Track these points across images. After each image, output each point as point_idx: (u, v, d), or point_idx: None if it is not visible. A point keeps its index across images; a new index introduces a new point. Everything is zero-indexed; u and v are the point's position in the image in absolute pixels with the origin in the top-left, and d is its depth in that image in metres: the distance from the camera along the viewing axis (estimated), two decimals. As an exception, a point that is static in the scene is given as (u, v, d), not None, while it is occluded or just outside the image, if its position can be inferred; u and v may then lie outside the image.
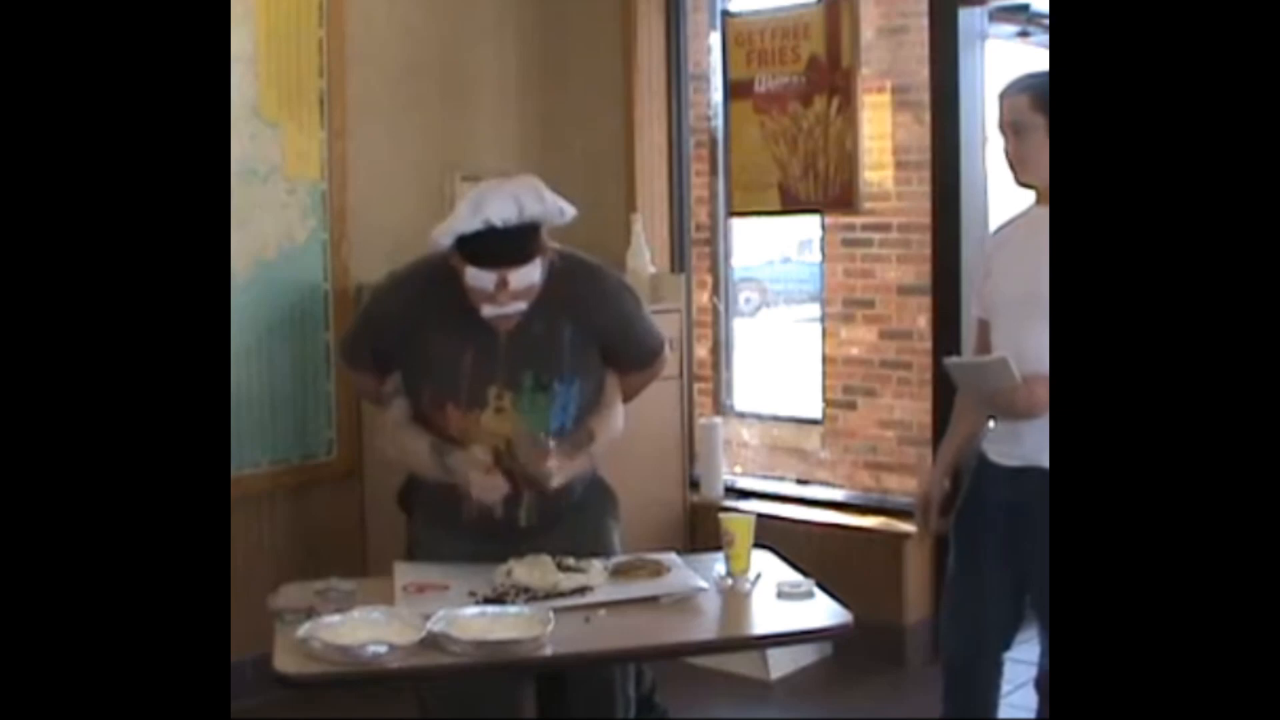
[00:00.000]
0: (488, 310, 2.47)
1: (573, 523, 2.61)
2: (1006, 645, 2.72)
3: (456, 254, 2.45)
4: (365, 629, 2.13)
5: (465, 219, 2.41)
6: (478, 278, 2.44)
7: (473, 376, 2.52)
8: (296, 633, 2.12)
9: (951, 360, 2.64)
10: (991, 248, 2.79)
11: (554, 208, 2.48)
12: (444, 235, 2.46)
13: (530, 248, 2.46)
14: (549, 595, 2.31)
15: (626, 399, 2.75)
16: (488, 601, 2.30)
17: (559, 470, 2.49)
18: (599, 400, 2.64)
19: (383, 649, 2.06)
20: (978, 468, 2.70)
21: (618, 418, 2.68)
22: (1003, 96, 2.61)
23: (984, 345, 2.72)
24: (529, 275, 2.46)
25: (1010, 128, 2.56)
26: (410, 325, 2.57)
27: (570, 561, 2.42)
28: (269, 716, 3.28)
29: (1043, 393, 2.38)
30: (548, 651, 2.13)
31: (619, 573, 2.44)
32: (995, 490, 2.61)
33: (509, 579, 2.35)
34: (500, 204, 2.41)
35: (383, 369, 2.68)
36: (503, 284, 2.44)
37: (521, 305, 2.48)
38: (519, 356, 2.52)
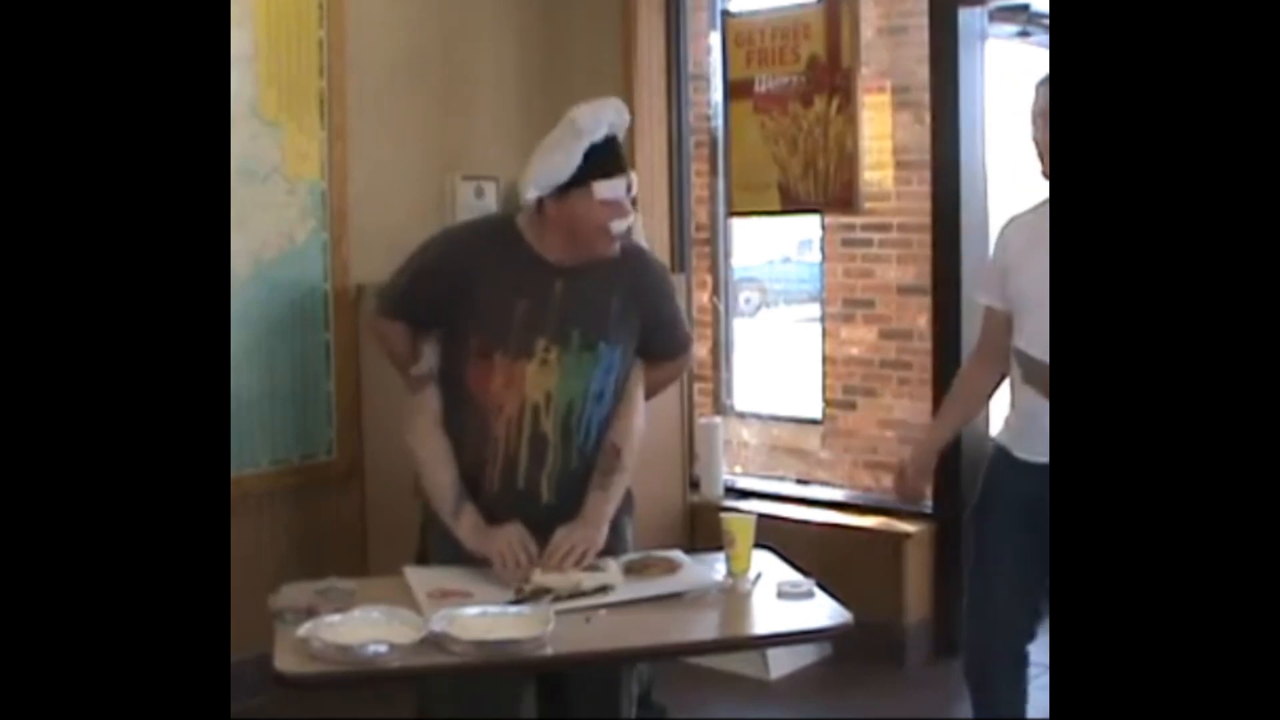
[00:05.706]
0: (617, 225, 2.48)
1: None
2: (1031, 636, 2.75)
3: (585, 172, 2.44)
4: (365, 629, 2.12)
5: (588, 133, 2.43)
6: (612, 189, 2.46)
7: (523, 326, 2.51)
8: (297, 633, 2.12)
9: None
10: (1011, 234, 2.77)
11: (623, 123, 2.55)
12: (550, 173, 2.45)
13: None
14: (572, 595, 2.30)
15: (650, 394, 2.73)
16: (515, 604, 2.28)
17: (596, 532, 2.48)
18: (621, 394, 2.61)
19: (383, 649, 2.06)
20: (996, 462, 2.73)
21: (639, 419, 2.65)
22: (1040, 85, 2.62)
23: (996, 333, 2.75)
24: (636, 182, 2.56)
25: (1042, 116, 2.56)
26: (465, 274, 2.54)
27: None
28: (269, 716, 3.28)
29: None
30: (548, 651, 2.13)
31: (633, 570, 2.43)
32: (1018, 485, 2.64)
33: (530, 581, 2.35)
34: (610, 113, 2.47)
35: (421, 323, 2.62)
36: (629, 187, 2.50)
37: (632, 220, 2.54)
38: (570, 312, 2.52)
